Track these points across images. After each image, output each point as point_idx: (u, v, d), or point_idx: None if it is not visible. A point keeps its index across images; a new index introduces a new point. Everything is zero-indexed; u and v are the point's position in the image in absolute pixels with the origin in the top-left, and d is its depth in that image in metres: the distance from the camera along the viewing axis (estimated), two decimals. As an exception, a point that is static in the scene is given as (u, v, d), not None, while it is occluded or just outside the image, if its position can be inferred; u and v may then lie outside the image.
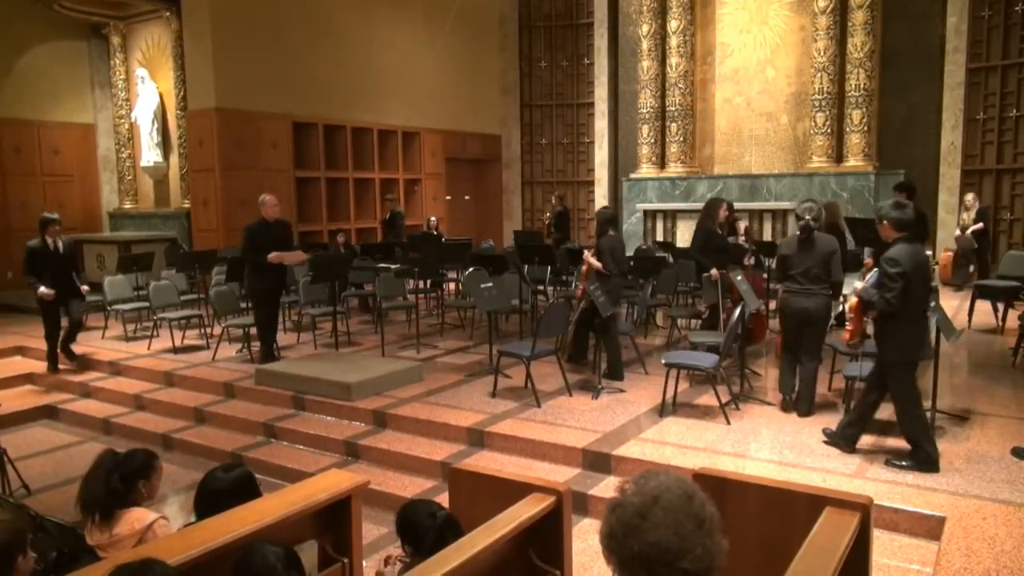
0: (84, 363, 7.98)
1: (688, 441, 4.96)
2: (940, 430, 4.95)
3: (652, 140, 13.95)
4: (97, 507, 2.72)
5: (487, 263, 8.80)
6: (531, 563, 2.43)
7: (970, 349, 7.35)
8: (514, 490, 2.49)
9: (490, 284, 7.03)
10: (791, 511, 2.24)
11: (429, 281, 9.74)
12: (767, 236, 12.16)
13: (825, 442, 4.80)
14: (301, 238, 11.85)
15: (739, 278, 6.03)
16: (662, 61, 13.75)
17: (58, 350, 7.82)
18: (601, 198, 15.72)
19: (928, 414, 5.01)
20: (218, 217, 11.56)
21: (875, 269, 4.50)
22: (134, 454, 2.91)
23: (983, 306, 8.30)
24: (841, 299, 6.30)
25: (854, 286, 4.65)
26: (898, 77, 12.47)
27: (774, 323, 7.02)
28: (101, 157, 14.49)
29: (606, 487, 4.57)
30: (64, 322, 7.79)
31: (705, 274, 7.06)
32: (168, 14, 12.86)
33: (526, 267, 9.07)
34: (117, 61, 14.01)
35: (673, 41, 13.50)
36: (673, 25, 13.47)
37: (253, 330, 7.60)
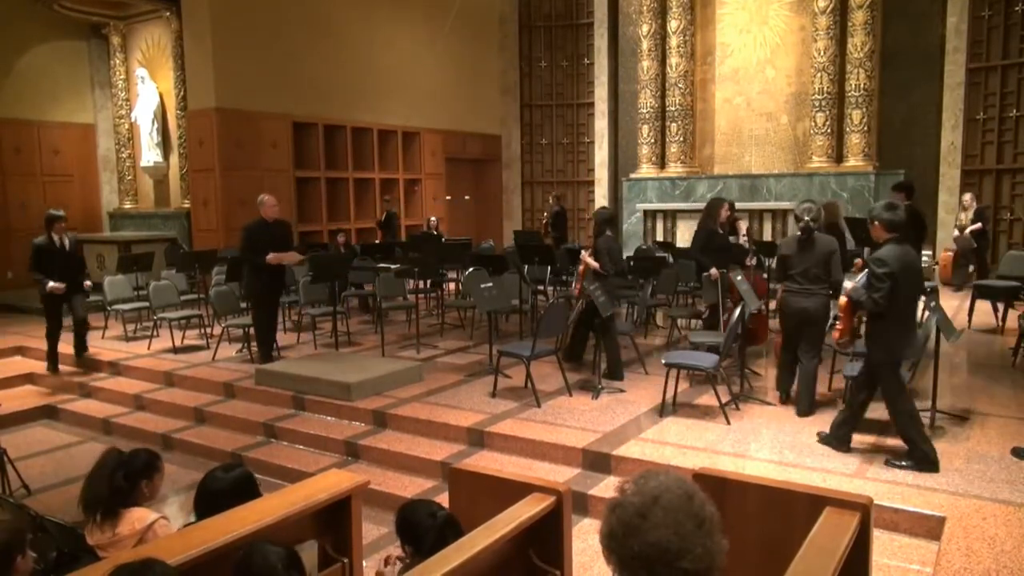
0: (85, 363, 7.97)
1: (688, 441, 4.96)
2: (940, 430, 4.96)
3: (652, 140, 13.95)
4: (100, 506, 2.72)
5: (487, 263, 8.80)
6: (531, 563, 2.43)
7: (970, 349, 7.35)
8: (514, 490, 2.49)
9: (490, 284, 7.03)
10: (791, 511, 2.24)
11: (429, 281, 9.74)
12: (767, 236, 12.16)
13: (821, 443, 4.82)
14: (301, 238, 11.85)
15: (739, 278, 6.04)
16: (662, 61, 13.75)
17: (75, 355, 7.75)
18: (601, 198, 15.72)
19: (928, 414, 5.02)
20: (218, 217, 11.56)
21: (866, 269, 4.53)
22: (137, 454, 2.91)
23: (983, 306, 8.30)
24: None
25: (844, 286, 4.69)
26: (898, 77, 12.47)
27: (774, 323, 7.03)
28: (101, 157, 14.50)
29: (606, 487, 4.57)
30: (67, 321, 7.75)
31: (705, 274, 7.06)
32: (168, 14, 12.87)
33: (526, 267, 9.07)
34: (117, 61, 14.01)
35: (673, 41, 13.50)
36: (673, 25, 13.47)
37: (253, 330, 7.60)
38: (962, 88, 12.01)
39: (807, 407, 5.36)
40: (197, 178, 11.95)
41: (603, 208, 7.46)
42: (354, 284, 9.75)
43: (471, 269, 9.19)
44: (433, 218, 13.01)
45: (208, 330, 8.74)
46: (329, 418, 6.06)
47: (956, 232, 10.58)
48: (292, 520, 2.38)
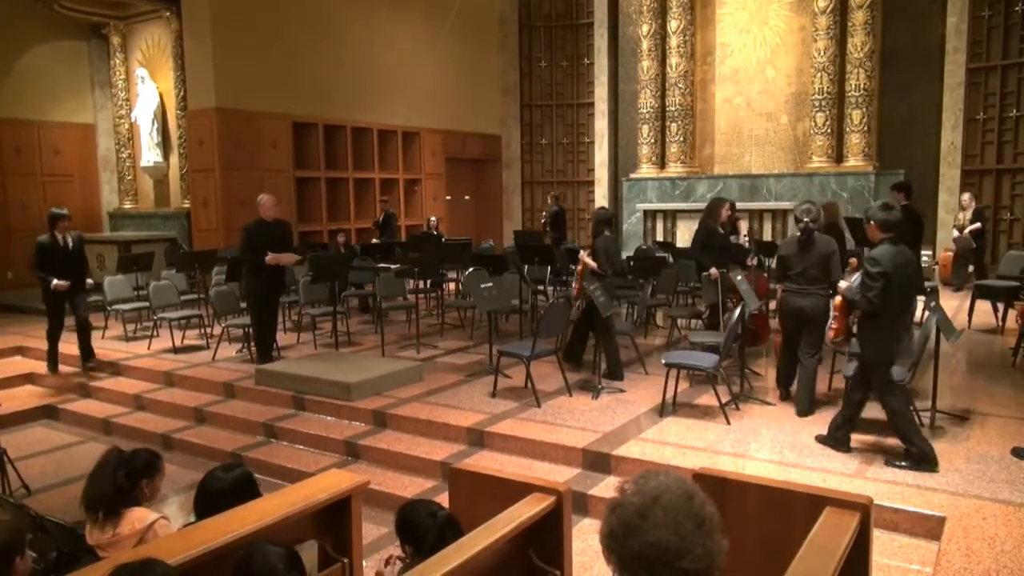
0: (93, 367, 7.94)
1: (688, 441, 4.96)
2: (940, 430, 4.96)
3: (652, 140, 13.95)
4: (102, 505, 2.72)
5: (487, 263, 8.80)
6: (531, 563, 2.43)
7: (970, 349, 7.35)
8: (514, 490, 2.49)
9: (490, 284, 7.03)
10: (791, 511, 2.24)
11: (429, 281, 9.74)
12: (767, 236, 12.17)
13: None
14: (301, 238, 11.85)
15: (739, 278, 6.05)
16: (662, 61, 13.75)
17: (82, 359, 7.71)
18: (601, 198, 15.72)
19: (928, 414, 5.03)
20: (218, 217, 11.56)
21: (860, 269, 4.55)
22: (138, 453, 2.91)
23: (983, 306, 8.31)
24: None
25: (839, 285, 4.72)
26: (898, 77, 12.47)
27: (774, 323, 7.03)
28: (101, 157, 14.50)
29: (606, 487, 4.57)
30: (68, 320, 7.73)
31: (705, 273, 7.07)
32: (168, 14, 12.87)
33: (526, 267, 9.07)
34: (117, 61, 14.01)
35: (673, 41, 13.50)
36: (673, 25, 13.47)
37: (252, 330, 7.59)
38: (962, 88, 12.01)
39: (807, 406, 5.37)
40: (197, 178, 11.95)
41: (602, 208, 7.48)
42: (354, 284, 9.75)
43: (471, 269, 9.19)
44: (433, 218, 13.01)
45: (208, 330, 8.74)
46: (329, 418, 6.06)
47: (956, 232, 10.58)
48: (292, 520, 2.38)
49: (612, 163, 15.79)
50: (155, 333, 8.57)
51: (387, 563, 2.62)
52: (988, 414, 5.31)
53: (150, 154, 13.69)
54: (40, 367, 8.03)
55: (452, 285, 10.88)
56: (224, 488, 2.62)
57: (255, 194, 7.88)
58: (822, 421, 5.10)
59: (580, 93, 16.40)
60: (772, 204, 12.67)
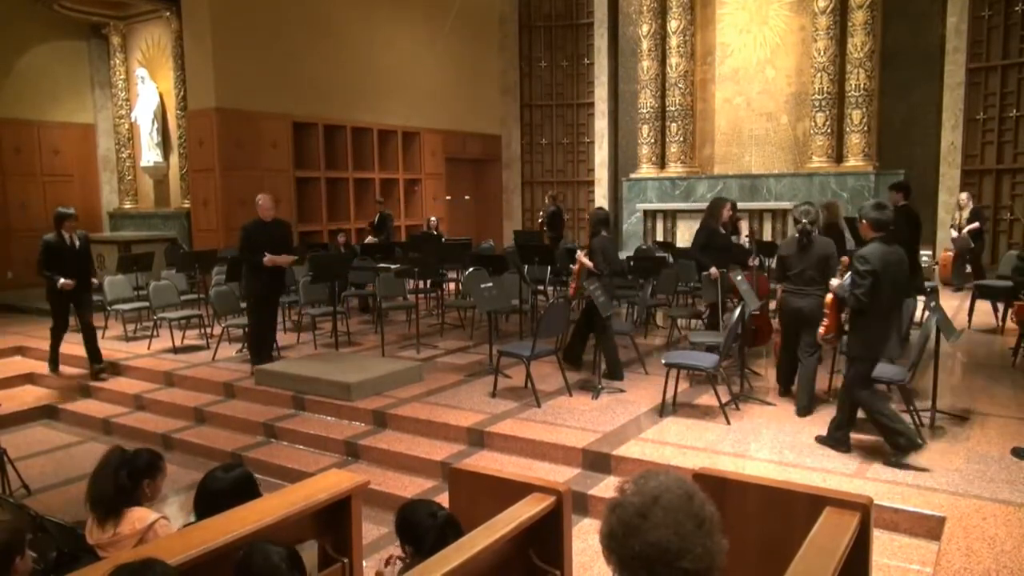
0: (85, 364, 7.94)
1: (688, 441, 4.96)
2: (940, 430, 4.96)
3: (652, 140, 13.95)
4: (104, 504, 2.72)
5: (487, 263, 8.80)
6: (531, 563, 2.43)
7: (970, 349, 7.35)
8: (514, 490, 2.49)
9: (490, 284, 7.03)
10: (791, 511, 2.24)
11: (429, 281, 9.74)
12: (767, 236, 12.17)
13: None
14: (301, 238, 11.85)
15: (739, 278, 6.05)
16: (662, 61, 13.76)
17: (90, 362, 7.63)
18: (601, 198, 15.72)
19: (928, 414, 5.03)
20: (218, 217, 11.56)
21: None
22: (140, 453, 2.91)
23: (983, 306, 8.31)
24: None
25: (831, 282, 4.76)
26: (898, 77, 12.47)
27: (775, 323, 7.03)
28: (101, 157, 14.50)
29: (606, 487, 4.57)
30: (74, 321, 7.70)
31: (704, 273, 7.08)
32: (168, 14, 12.87)
33: (526, 267, 9.07)
34: (117, 61, 14.02)
35: (673, 41, 13.51)
36: (673, 25, 13.48)
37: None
38: (962, 88, 12.01)
39: (806, 403, 5.39)
40: (197, 178, 11.95)
41: (599, 209, 7.50)
42: (354, 284, 9.74)
43: (471, 269, 9.19)
44: (433, 218, 13.00)
45: (208, 330, 8.74)
46: (329, 418, 6.06)
47: (953, 233, 10.58)
48: (292, 520, 2.38)
49: (612, 163, 15.79)
50: (155, 333, 8.57)
51: (387, 563, 2.62)
52: (988, 414, 5.31)
53: (150, 154, 13.69)
54: (40, 367, 8.03)
55: (452, 285, 10.88)
56: (224, 488, 2.62)
57: (255, 194, 7.88)
58: (822, 421, 5.10)
59: (580, 93, 16.41)
60: (772, 204, 12.68)
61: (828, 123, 12.28)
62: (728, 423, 5.25)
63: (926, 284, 7.82)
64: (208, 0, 11.21)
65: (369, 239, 11.82)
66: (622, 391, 6.12)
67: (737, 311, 5.70)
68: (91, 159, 14.39)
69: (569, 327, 6.79)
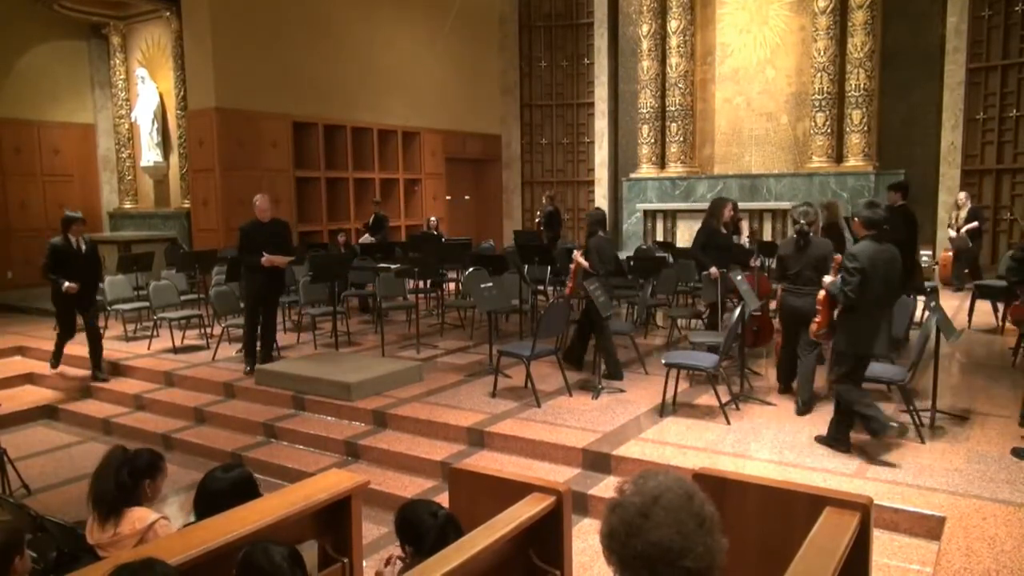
0: (86, 364, 7.93)
1: (688, 441, 4.96)
2: (940, 430, 4.96)
3: (652, 140, 13.96)
4: (107, 502, 2.72)
5: (487, 263, 8.80)
6: (531, 563, 2.43)
7: (970, 349, 7.35)
8: (514, 490, 2.49)
9: (490, 284, 7.03)
10: (791, 511, 2.24)
11: (429, 281, 9.74)
12: (767, 236, 12.18)
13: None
14: (301, 238, 11.85)
15: (739, 278, 6.06)
16: (662, 61, 13.76)
17: (94, 368, 7.56)
18: (601, 198, 15.72)
19: (928, 414, 5.03)
20: (218, 217, 11.56)
21: None
22: (140, 453, 2.91)
23: (983, 306, 8.31)
24: None
25: (824, 280, 4.82)
26: (898, 77, 12.47)
27: (776, 323, 7.04)
28: (101, 157, 14.50)
29: (606, 487, 4.57)
30: (79, 322, 7.65)
31: (704, 272, 7.08)
32: (168, 14, 12.87)
33: (526, 267, 9.07)
34: (117, 61, 14.02)
35: (673, 41, 13.51)
36: (673, 25, 13.48)
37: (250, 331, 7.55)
38: (962, 88, 12.01)
39: (806, 399, 5.42)
40: (197, 178, 11.95)
41: (596, 209, 7.51)
42: (354, 284, 9.74)
43: (471, 269, 9.19)
44: (433, 218, 12.99)
45: (208, 330, 8.74)
46: (329, 418, 6.06)
47: (952, 232, 10.58)
48: (292, 520, 2.38)
49: (612, 163, 15.79)
50: (155, 333, 8.57)
51: (387, 563, 2.62)
52: (988, 414, 5.31)
53: (150, 154, 13.69)
54: (40, 367, 8.03)
55: (452, 285, 10.88)
56: (224, 488, 2.62)
57: (255, 194, 7.88)
58: (822, 421, 5.10)
59: (580, 93, 16.40)
60: (772, 204, 12.69)
61: (828, 123, 12.28)
62: (728, 423, 5.25)
63: (926, 284, 7.82)
64: (208, 0, 11.22)
65: (364, 239, 11.81)
66: (622, 391, 6.12)
67: (737, 311, 5.71)
68: (91, 159, 14.39)
69: (569, 327, 6.79)
